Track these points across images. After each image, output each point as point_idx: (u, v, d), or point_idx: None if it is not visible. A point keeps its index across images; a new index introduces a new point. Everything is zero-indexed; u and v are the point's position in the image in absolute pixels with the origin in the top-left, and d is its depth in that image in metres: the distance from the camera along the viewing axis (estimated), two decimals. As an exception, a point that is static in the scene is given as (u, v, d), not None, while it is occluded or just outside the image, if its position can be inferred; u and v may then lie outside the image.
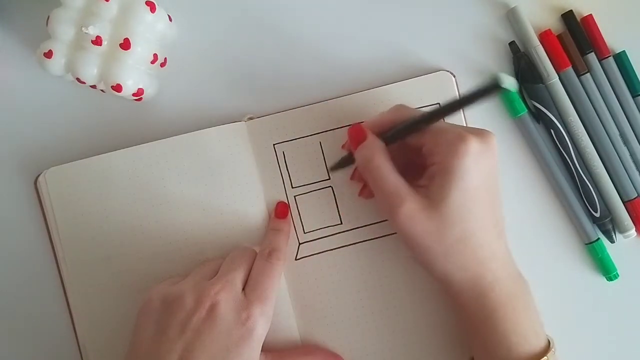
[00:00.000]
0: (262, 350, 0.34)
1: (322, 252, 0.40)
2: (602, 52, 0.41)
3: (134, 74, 0.37)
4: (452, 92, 0.40)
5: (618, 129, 0.41)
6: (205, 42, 0.42)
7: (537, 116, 0.41)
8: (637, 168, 0.41)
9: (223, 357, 0.32)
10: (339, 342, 0.39)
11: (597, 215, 0.40)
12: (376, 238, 0.40)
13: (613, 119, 0.41)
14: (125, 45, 0.37)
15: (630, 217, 0.40)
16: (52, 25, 0.37)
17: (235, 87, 0.41)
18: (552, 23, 0.41)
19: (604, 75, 0.41)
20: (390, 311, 0.40)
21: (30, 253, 0.40)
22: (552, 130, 0.40)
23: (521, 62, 0.40)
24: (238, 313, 0.33)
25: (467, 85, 0.41)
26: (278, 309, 0.37)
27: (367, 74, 0.41)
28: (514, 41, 0.41)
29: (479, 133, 0.33)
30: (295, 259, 0.40)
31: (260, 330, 0.34)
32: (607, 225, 0.40)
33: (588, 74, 0.40)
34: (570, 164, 0.40)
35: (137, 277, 0.39)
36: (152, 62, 0.39)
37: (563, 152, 0.40)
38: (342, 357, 0.39)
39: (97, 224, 0.39)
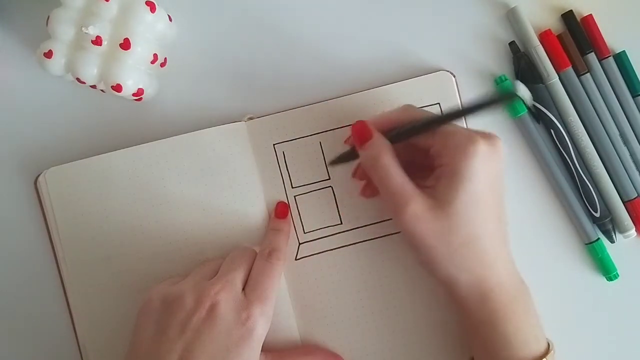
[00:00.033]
0: (262, 350, 0.34)
1: (322, 252, 0.40)
2: (602, 52, 0.41)
3: (134, 74, 0.37)
4: (452, 92, 0.40)
5: (618, 129, 0.41)
6: (205, 42, 0.42)
7: (537, 116, 0.41)
8: (637, 168, 0.41)
9: (223, 357, 0.32)
10: (339, 342, 0.39)
11: (597, 215, 0.40)
12: (376, 238, 0.40)
13: (613, 119, 0.41)
14: (125, 45, 0.37)
15: (630, 217, 0.40)
16: (52, 25, 0.37)
17: (235, 87, 0.41)
18: (552, 23, 0.41)
19: (604, 75, 0.41)
20: (390, 311, 0.40)
21: (30, 253, 0.40)
22: (552, 130, 0.40)
23: (521, 62, 0.40)
24: (238, 313, 0.33)
25: (467, 85, 0.41)
26: (278, 309, 0.37)
27: (367, 74, 0.41)
28: (514, 41, 0.41)
29: (486, 136, 0.33)
30: (295, 259, 0.40)
31: (260, 330, 0.34)
32: (607, 225, 0.40)
33: (588, 74, 0.40)
34: (570, 164, 0.40)
35: (137, 277, 0.39)
36: (152, 62, 0.39)
37: (563, 152, 0.40)
38: (342, 357, 0.39)
39: (97, 224, 0.39)
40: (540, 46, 0.40)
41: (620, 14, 0.42)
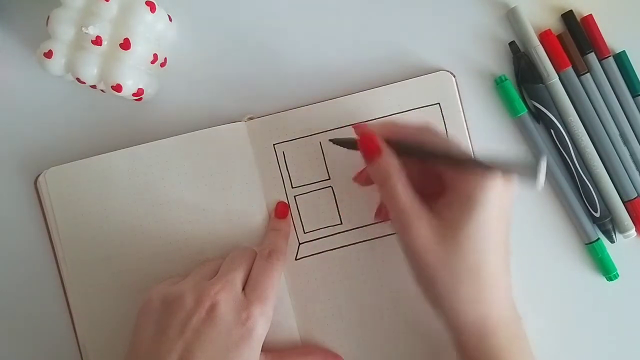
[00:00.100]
0: (262, 350, 0.34)
1: (322, 252, 0.40)
2: (602, 52, 0.41)
3: (134, 74, 0.37)
4: (452, 92, 0.40)
5: (618, 129, 0.41)
6: (205, 42, 0.42)
7: (537, 116, 0.41)
8: (637, 168, 0.41)
9: (223, 357, 0.32)
10: (339, 342, 0.39)
11: (597, 215, 0.40)
12: (376, 238, 0.40)
13: (613, 119, 0.40)
14: (125, 45, 0.37)
15: (630, 217, 0.40)
16: (52, 25, 0.37)
17: (235, 87, 0.41)
18: (552, 23, 0.41)
19: (604, 75, 0.41)
20: (390, 311, 0.40)
21: (30, 253, 0.40)
22: (552, 130, 0.40)
23: (521, 62, 0.40)
24: (238, 313, 0.33)
25: (467, 85, 0.41)
26: (278, 309, 0.37)
27: (367, 74, 0.41)
28: (514, 41, 0.41)
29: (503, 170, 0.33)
30: (295, 259, 0.40)
31: (260, 330, 0.34)
32: (607, 225, 0.40)
33: (588, 74, 0.40)
34: (570, 164, 0.40)
35: (137, 277, 0.39)
36: (152, 62, 0.39)
37: (563, 152, 0.40)
38: (342, 357, 0.39)
39: (97, 224, 0.39)
40: (540, 46, 0.40)
41: (620, 14, 0.42)
